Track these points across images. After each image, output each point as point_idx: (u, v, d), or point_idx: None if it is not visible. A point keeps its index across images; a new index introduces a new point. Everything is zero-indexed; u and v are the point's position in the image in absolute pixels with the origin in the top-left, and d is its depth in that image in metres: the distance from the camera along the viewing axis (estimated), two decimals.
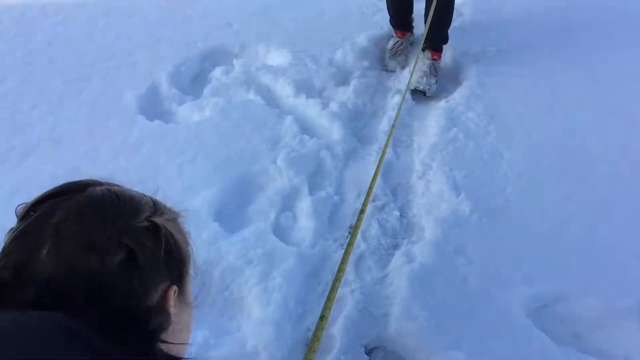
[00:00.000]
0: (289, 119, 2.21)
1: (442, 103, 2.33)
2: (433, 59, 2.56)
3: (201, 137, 2.11)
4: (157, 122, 2.18)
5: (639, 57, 2.51)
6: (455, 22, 2.68)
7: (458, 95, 2.35)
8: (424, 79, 2.49)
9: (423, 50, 2.56)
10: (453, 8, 2.54)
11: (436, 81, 2.50)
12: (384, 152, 1.93)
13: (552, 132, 2.14)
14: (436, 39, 2.56)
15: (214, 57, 2.67)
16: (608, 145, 2.06)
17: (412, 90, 2.48)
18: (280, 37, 2.76)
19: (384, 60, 2.72)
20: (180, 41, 2.71)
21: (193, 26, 2.84)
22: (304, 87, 2.44)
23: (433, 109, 2.34)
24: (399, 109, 2.18)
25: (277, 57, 2.66)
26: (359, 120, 2.36)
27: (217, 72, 2.54)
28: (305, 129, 2.22)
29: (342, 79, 2.54)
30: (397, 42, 2.71)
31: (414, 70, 2.45)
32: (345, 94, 2.43)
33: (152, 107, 2.30)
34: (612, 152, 2.03)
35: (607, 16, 2.84)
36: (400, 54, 2.70)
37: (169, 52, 2.63)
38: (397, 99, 2.40)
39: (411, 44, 2.78)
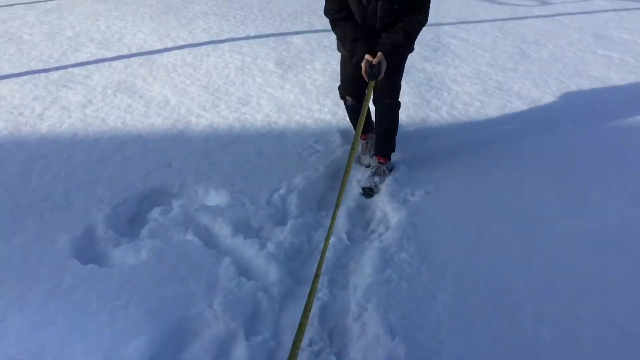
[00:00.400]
0: (226, 261, 2.23)
1: (376, 244, 2.40)
2: (380, 163, 2.98)
3: (136, 281, 2.08)
4: (90, 266, 2.15)
5: (555, 199, 2.69)
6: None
7: (391, 236, 2.43)
8: (373, 178, 2.91)
9: (372, 155, 3.03)
10: (397, 120, 2.97)
11: (383, 180, 2.91)
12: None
13: (480, 273, 2.23)
14: (383, 148, 3.01)
15: (153, 197, 2.71)
16: (532, 286, 2.15)
17: (362, 187, 2.89)
18: (219, 177, 2.84)
19: (359, 159, 3.18)
20: (119, 181, 2.75)
21: (133, 166, 2.90)
22: (242, 228, 2.48)
23: (368, 249, 2.41)
24: (324, 251, 2.22)
25: (216, 198, 2.72)
26: (296, 260, 2.40)
27: (155, 213, 2.56)
28: (243, 270, 2.23)
29: (280, 219, 2.60)
30: (362, 143, 3.18)
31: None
32: (282, 234, 2.48)
33: (87, 251, 2.28)
34: (536, 293, 2.11)
35: (523, 160, 3.06)
36: (367, 152, 3.15)
37: (108, 192, 2.66)
38: (332, 239, 2.46)
39: (372, 139, 3.18)
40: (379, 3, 2.61)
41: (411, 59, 4.43)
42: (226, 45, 4.84)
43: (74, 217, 2.47)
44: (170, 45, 4.81)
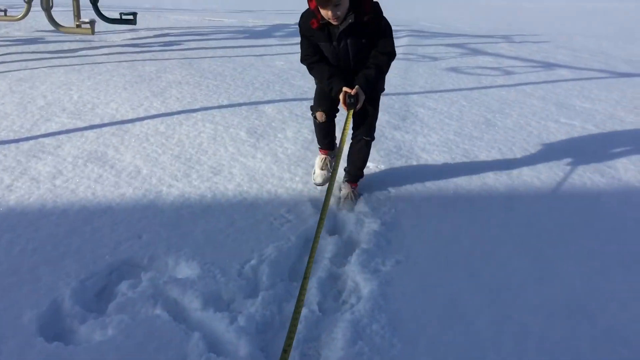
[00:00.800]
0: (195, 336, 2.19)
1: (348, 315, 2.39)
2: (352, 188, 3.51)
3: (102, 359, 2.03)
4: (56, 344, 2.09)
5: (525, 268, 2.72)
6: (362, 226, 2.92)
7: (362, 307, 2.42)
8: (347, 200, 3.45)
9: (344, 181, 3.55)
10: (368, 154, 3.46)
11: (356, 200, 3.46)
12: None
13: (453, 343, 2.22)
14: (354, 176, 3.53)
15: (122, 270, 2.66)
16: (504, 355, 2.15)
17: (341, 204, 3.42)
18: (190, 249, 2.82)
19: (312, 175, 3.63)
20: (88, 254, 2.71)
21: (101, 238, 2.86)
22: (212, 301, 2.45)
23: (339, 321, 2.38)
24: (292, 328, 2.20)
25: (186, 269, 2.69)
26: (267, 333, 2.36)
27: (123, 286, 2.51)
28: (212, 345, 2.19)
29: (251, 291, 2.57)
30: (323, 158, 3.57)
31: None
32: (254, 306, 2.45)
33: (53, 327, 2.22)
34: None
35: (492, 228, 3.11)
36: (325, 168, 3.55)
37: (75, 266, 2.61)
38: (303, 311, 2.44)
39: (332, 157, 3.61)
40: (348, 40, 2.99)
41: (380, 128, 4.56)
42: (199, 114, 4.90)
43: (41, 292, 2.42)
44: (142, 114, 4.85)
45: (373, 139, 3.41)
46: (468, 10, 18.30)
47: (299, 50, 3.22)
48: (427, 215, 3.24)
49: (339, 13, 2.83)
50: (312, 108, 3.44)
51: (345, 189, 3.49)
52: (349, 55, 3.05)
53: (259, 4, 17.22)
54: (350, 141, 3.45)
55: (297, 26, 3.15)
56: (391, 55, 3.07)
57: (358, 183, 3.55)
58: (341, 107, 3.15)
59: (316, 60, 3.14)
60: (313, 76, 3.24)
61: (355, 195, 3.46)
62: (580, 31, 12.52)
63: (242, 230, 3.03)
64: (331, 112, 3.37)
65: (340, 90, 3.03)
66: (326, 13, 2.84)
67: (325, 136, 3.54)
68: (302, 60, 3.22)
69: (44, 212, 3.12)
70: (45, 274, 2.55)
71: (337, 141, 3.57)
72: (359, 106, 3.05)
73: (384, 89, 3.37)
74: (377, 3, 2.99)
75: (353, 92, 2.99)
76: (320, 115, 3.32)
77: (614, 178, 3.85)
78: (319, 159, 3.60)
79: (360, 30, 2.95)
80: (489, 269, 2.70)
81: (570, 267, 2.74)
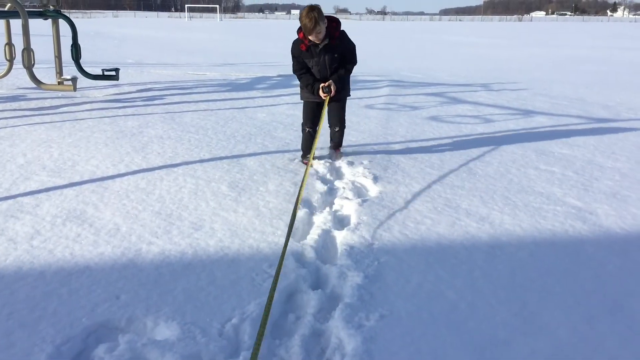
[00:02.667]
0: None
1: None
2: (337, 151, 5.44)
3: None
4: None
5: (509, 320, 2.70)
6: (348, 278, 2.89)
7: None
8: (336, 156, 5.39)
9: (330, 148, 5.52)
10: (343, 135, 5.40)
11: (341, 156, 5.37)
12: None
13: None
14: (338, 145, 5.46)
15: (99, 333, 2.59)
16: None
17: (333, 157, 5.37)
18: (169, 308, 2.76)
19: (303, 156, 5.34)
20: (64, 318, 2.64)
21: (79, 300, 2.80)
22: None
23: None
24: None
25: (166, 331, 2.62)
26: None
27: (100, 350, 2.44)
28: None
29: (232, 351, 2.51)
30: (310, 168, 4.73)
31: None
32: None
33: None
34: None
35: (475, 280, 3.09)
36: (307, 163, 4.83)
37: (51, 330, 2.54)
38: None
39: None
40: (326, 56, 4.81)
41: (362, 178, 4.58)
42: (180, 169, 4.89)
43: (15, 358, 2.34)
44: (123, 170, 4.83)
45: (344, 127, 5.36)
46: (447, 59, 18.69)
47: (281, 103, 4.99)
48: (410, 267, 3.21)
49: (320, 36, 4.64)
50: (302, 125, 5.32)
51: (333, 153, 5.45)
52: (326, 65, 4.87)
53: (241, 57, 17.47)
54: (329, 130, 5.41)
55: (290, 52, 4.94)
56: (355, 63, 5.03)
57: (340, 148, 5.47)
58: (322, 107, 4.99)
59: (303, 72, 4.98)
60: (301, 81, 5.08)
61: (339, 155, 5.42)
62: (557, 78, 12.80)
63: (224, 288, 2.98)
64: (315, 124, 5.13)
65: (319, 88, 4.90)
66: (312, 37, 4.63)
67: (307, 147, 5.24)
68: (294, 71, 5.06)
69: (20, 274, 3.05)
70: (20, 340, 2.48)
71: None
72: (332, 93, 4.90)
73: (349, 94, 5.35)
74: (343, 31, 4.86)
75: (327, 83, 4.87)
76: (308, 129, 5.21)
77: (596, 225, 3.87)
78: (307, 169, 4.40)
79: (332, 48, 4.79)
80: (473, 323, 2.67)
81: (556, 318, 2.72)
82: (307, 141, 5.22)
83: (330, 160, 5.30)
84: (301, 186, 3.79)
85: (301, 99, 5.24)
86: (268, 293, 2.90)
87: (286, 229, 3.69)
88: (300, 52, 4.80)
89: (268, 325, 2.71)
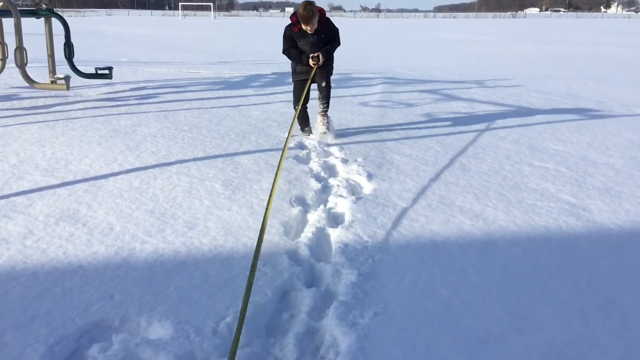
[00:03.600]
0: None
1: None
2: (323, 117, 6.09)
3: None
4: None
5: (503, 317, 2.70)
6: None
7: None
8: (322, 124, 6.05)
9: (318, 114, 6.14)
10: (330, 94, 6.14)
11: (329, 125, 6.12)
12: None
13: None
14: (325, 109, 6.13)
15: (92, 332, 2.58)
16: None
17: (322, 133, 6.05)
18: (163, 307, 2.75)
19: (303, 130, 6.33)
20: (57, 317, 2.63)
21: (72, 300, 2.79)
22: None
23: None
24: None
25: (159, 330, 2.62)
26: None
27: (93, 350, 2.43)
28: None
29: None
30: (308, 134, 6.26)
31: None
32: None
33: None
34: None
35: (469, 277, 3.09)
36: (308, 132, 6.28)
37: (44, 330, 2.53)
38: None
39: (309, 133, 6.28)
40: (315, 36, 5.82)
41: (356, 176, 4.58)
42: (174, 168, 4.88)
43: (8, 359, 2.33)
44: (117, 169, 4.82)
45: (330, 85, 6.17)
46: (442, 57, 18.71)
47: (275, 101, 6.47)
48: (404, 265, 3.21)
49: (313, 27, 5.73)
50: (293, 103, 6.30)
51: (320, 119, 6.09)
52: (314, 44, 5.88)
53: (235, 55, 17.44)
54: (318, 91, 6.16)
55: (282, 34, 5.98)
56: (338, 43, 6.08)
57: (326, 115, 6.12)
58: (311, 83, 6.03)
59: (292, 49, 5.97)
60: (291, 58, 6.03)
61: (325, 122, 6.07)
62: (550, 75, 12.83)
63: (218, 286, 2.98)
64: (305, 102, 6.08)
65: (308, 57, 5.87)
66: (306, 27, 5.71)
67: (303, 121, 6.26)
68: (284, 51, 6.05)
69: (13, 274, 3.04)
70: (13, 340, 2.46)
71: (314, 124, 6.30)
72: (320, 63, 5.88)
73: (332, 73, 6.26)
74: (328, 18, 5.90)
75: (316, 54, 5.85)
76: (298, 107, 5.76)
77: (589, 220, 3.88)
78: (304, 135, 6.27)
79: (319, 31, 5.82)
80: (467, 320, 2.67)
81: (549, 314, 2.72)
82: (299, 119, 6.12)
83: (324, 159, 5.30)
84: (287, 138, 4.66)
85: (292, 80, 6.28)
86: (261, 291, 2.91)
87: (280, 227, 3.70)
88: (293, 32, 5.86)
89: (262, 324, 2.72)
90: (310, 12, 5.55)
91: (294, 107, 6.07)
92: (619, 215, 4.01)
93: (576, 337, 2.56)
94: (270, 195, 3.44)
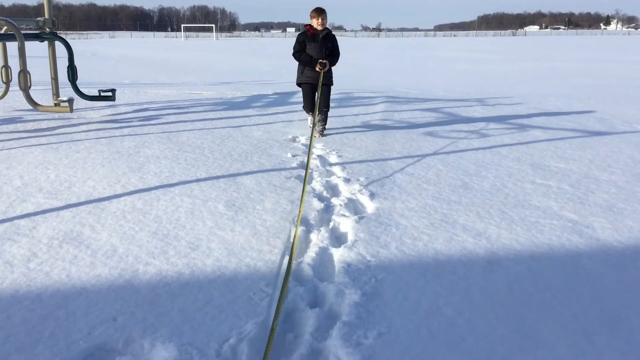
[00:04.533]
0: None
1: None
2: (320, 135, 7.24)
3: None
4: None
5: (507, 336, 2.69)
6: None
7: None
8: (319, 128, 7.26)
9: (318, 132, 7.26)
10: (329, 100, 7.33)
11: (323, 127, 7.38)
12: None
13: None
14: (322, 125, 7.31)
15: (96, 355, 2.58)
16: None
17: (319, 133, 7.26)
18: (166, 329, 2.75)
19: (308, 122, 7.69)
20: (61, 340, 2.63)
21: (76, 322, 2.79)
22: None
23: None
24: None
25: (163, 352, 2.61)
26: None
27: None
28: None
29: None
30: (310, 118, 7.33)
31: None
32: None
33: None
34: None
35: (472, 295, 3.08)
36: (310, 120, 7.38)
37: (48, 353, 2.53)
38: None
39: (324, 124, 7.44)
40: (323, 43, 7.03)
41: (359, 195, 4.59)
42: (177, 189, 4.90)
43: None
44: (120, 191, 4.84)
45: (328, 109, 7.39)
46: (443, 75, 18.80)
47: (277, 121, 8.24)
48: (408, 284, 3.21)
49: (324, 23, 7.09)
50: (303, 107, 7.55)
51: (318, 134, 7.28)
52: (322, 49, 7.07)
53: (237, 76, 17.56)
54: (319, 109, 7.10)
55: (296, 38, 7.22)
56: (339, 56, 7.33)
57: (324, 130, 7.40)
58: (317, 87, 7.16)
59: (303, 53, 7.11)
60: (300, 60, 7.14)
61: (322, 131, 7.38)
62: (551, 92, 12.87)
63: (221, 307, 2.97)
64: (313, 107, 7.18)
65: (316, 62, 6.97)
66: (317, 22, 7.06)
67: (310, 109, 7.36)
68: (294, 53, 7.16)
69: (17, 297, 3.04)
70: None
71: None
72: (326, 69, 7.03)
73: (333, 83, 7.43)
74: (334, 34, 7.25)
75: (324, 61, 6.98)
76: (308, 111, 7.49)
77: (592, 238, 3.88)
78: (309, 119, 7.57)
79: (327, 39, 7.14)
80: (472, 340, 2.66)
81: (554, 333, 2.71)
82: (307, 105, 7.48)
83: (327, 179, 5.31)
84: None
85: (297, 84, 7.45)
86: (266, 312, 2.90)
87: (283, 247, 3.70)
88: (306, 36, 7.12)
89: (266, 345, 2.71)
90: (322, 10, 7.14)
91: (306, 111, 7.61)
92: (621, 232, 4.00)
93: (581, 355, 2.55)
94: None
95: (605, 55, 30.57)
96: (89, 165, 5.67)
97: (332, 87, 7.47)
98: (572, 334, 2.71)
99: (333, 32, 7.30)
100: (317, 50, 7.04)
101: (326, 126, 7.47)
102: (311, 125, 7.03)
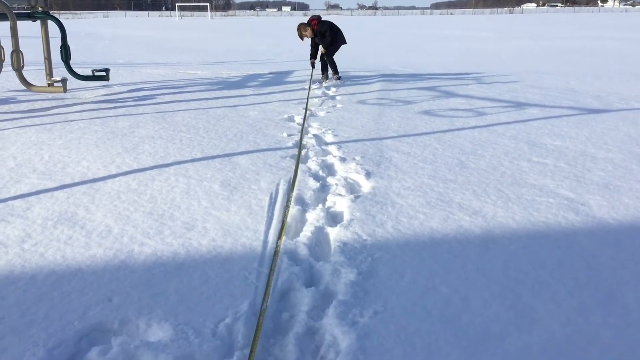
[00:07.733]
0: None
1: None
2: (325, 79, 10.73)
3: None
4: None
5: (503, 313, 2.69)
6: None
7: None
8: (324, 81, 10.59)
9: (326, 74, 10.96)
10: (331, 63, 10.64)
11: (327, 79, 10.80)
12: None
13: None
14: (326, 71, 10.81)
15: (92, 336, 2.57)
16: None
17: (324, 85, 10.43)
18: (162, 310, 2.74)
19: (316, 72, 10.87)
20: (56, 321, 2.62)
21: (70, 303, 2.78)
22: None
23: None
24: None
25: (159, 332, 2.61)
26: None
27: (93, 354, 2.42)
28: None
29: (226, 351, 2.50)
30: (322, 76, 10.85)
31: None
32: None
33: None
34: None
35: (468, 274, 3.08)
36: (323, 80, 10.70)
37: (43, 334, 2.52)
38: None
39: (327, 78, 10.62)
40: (317, 38, 10.34)
41: (355, 174, 4.57)
42: (172, 169, 4.87)
43: None
44: (114, 171, 4.81)
45: (332, 62, 10.58)
46: (439, 53, 18.69)
47: (273, 100, 8.42)
48: (404, 263, 3.20)
49: (308, 33, 10.33)
50: (310, 57, 10.75)
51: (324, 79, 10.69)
52: (317, 41, 10.40)
53: (232, 55, 17.43)
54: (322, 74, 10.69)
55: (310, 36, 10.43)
56: (325, 40, 10.19)
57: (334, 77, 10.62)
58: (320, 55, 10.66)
59: (314, 48, 10.59)
60: (313, 49, 10.62)
61: (332, 78, 10.72)
62: (548, 70, 12.81)
63: (217, 287, 2.97)
64: (323, 65, 10.70)
65: (317, 52, 10.62)
66: (305, 34, 10.32)
67: (324, 71, 10.72)
68: (312, 47, 10.61)
69: (11, 278, 3.03)
70: (12, 345, 2.46)
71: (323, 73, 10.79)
72: (323, 51, 10.43)
73: (331, 55, 10.51)
74: (320, 22, 10.24)
75: (321, 50, 10.51)
76: (313, 62, 10.69)
77: (588, 216, 3.87)
78: (322, 80, 10.69)
79: (316, 35, 10.29)
80: (467, 317, 2.66)
81: (549, 310, 2.72)
82: (322, 67, 10.85)
83: (322, 158, 5.29)
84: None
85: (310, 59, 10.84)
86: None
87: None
88: (312, 40, 10.46)
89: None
90: (299, 33, 10.44)
91: (310, 61, 10.78)
92: (618, 210, 4.00)
93: (577, 332, 2.55)
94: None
95: (602, 33, 30.41)
96: (83, 146, 5.64)
97: (330, 57, 10.63)
98: (567, 312, 2.71)
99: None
100: (321, 38, 10.35)
101: (330, 80, 10.66)
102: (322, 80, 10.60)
